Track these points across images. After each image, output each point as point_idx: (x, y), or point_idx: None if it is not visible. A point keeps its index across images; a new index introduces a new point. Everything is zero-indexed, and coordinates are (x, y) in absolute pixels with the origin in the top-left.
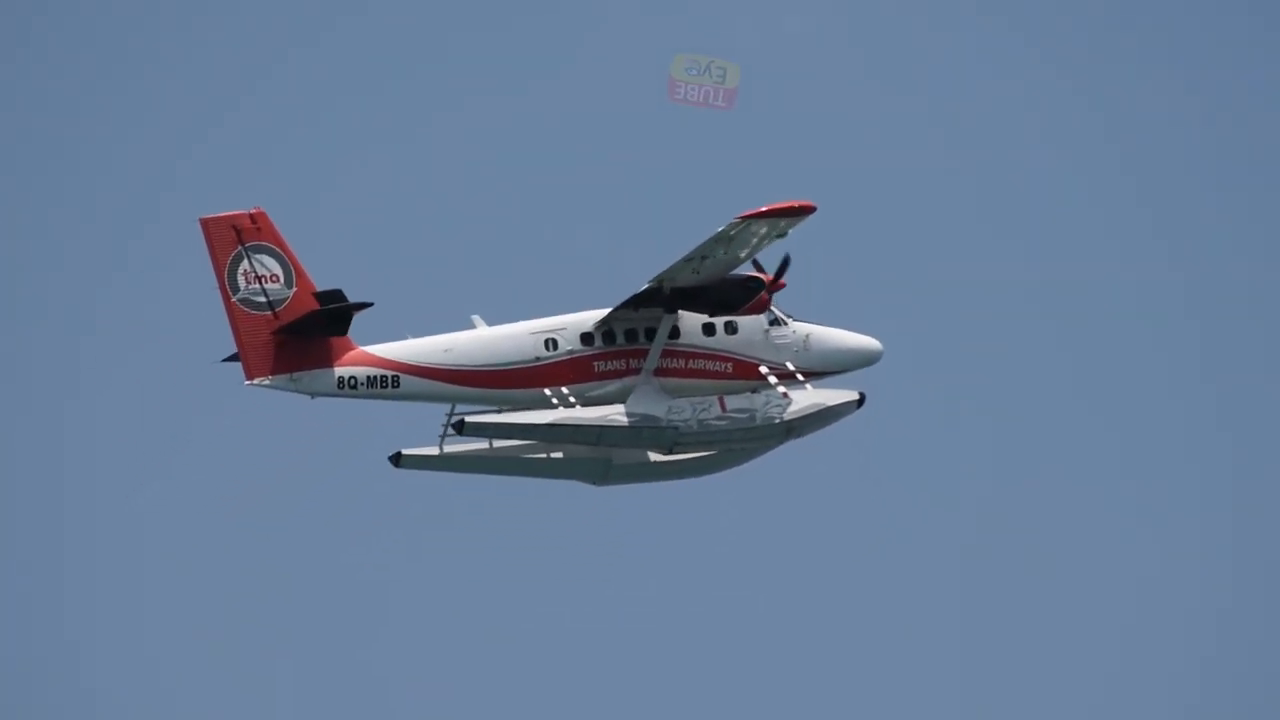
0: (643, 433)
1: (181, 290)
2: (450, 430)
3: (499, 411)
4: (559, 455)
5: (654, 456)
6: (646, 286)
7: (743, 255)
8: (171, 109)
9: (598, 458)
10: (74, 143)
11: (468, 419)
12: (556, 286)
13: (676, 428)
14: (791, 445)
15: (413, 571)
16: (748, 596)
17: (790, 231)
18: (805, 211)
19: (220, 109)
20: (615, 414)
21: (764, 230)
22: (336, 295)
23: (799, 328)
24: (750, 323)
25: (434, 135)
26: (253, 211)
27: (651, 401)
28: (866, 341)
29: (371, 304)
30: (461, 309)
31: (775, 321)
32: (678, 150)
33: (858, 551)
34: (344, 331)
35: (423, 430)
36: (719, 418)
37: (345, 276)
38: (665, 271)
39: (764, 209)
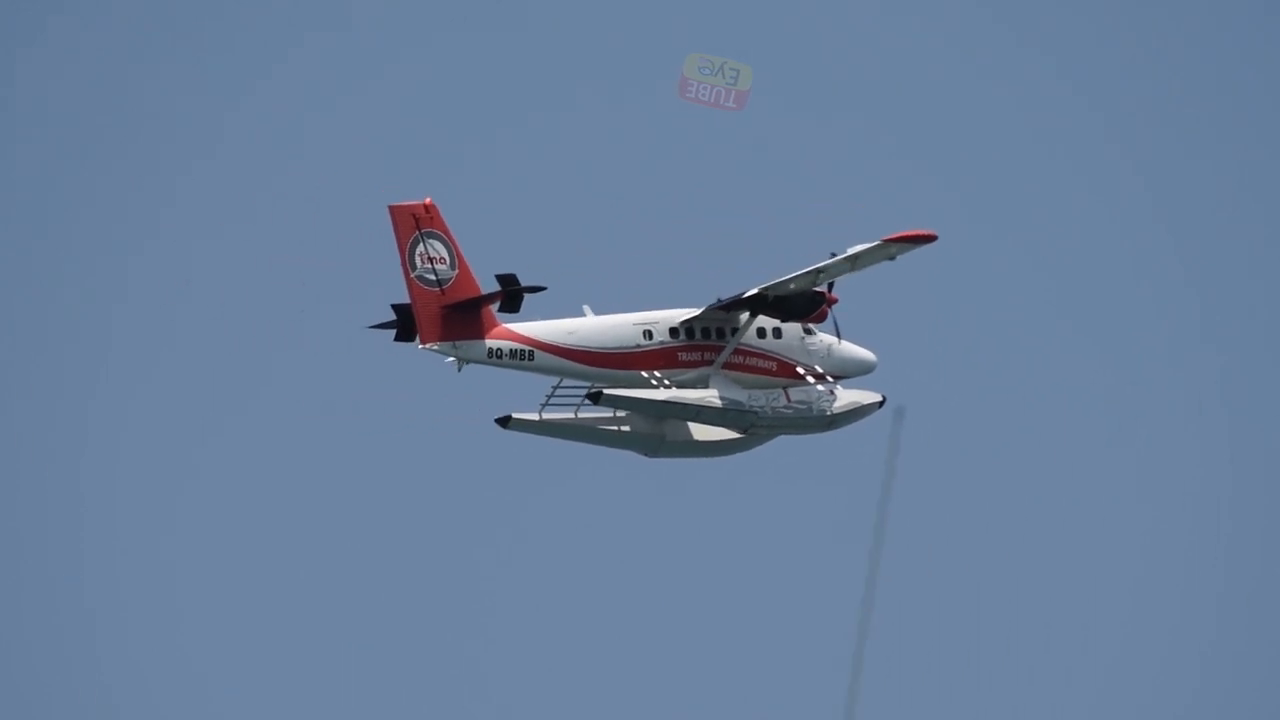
0: (728, 414)
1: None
2: (585, 400)
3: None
4: (626, 429)
5: (700, 435)
6: (756, 291)
7: (855, 271)
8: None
9: (653, 433)
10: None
11: (605, 391)
12: (648, 282)
13: (756, 412)
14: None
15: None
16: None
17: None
18: (929, 240)
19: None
20: (711, 397)
21: (893, 251)
22: (513, 279)
23: (825, 338)
24: (791, 330)
25: (560, 131)
26: (426, 202)
27: (734, 389)
28: (869, 355)
29: (545, 288)
30: (576, 297)
31: (809, 332)
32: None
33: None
34: (517, 309)
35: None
36: (786, 406)
37: (488, 261)
38: (781, 281)
39: (905, 234)
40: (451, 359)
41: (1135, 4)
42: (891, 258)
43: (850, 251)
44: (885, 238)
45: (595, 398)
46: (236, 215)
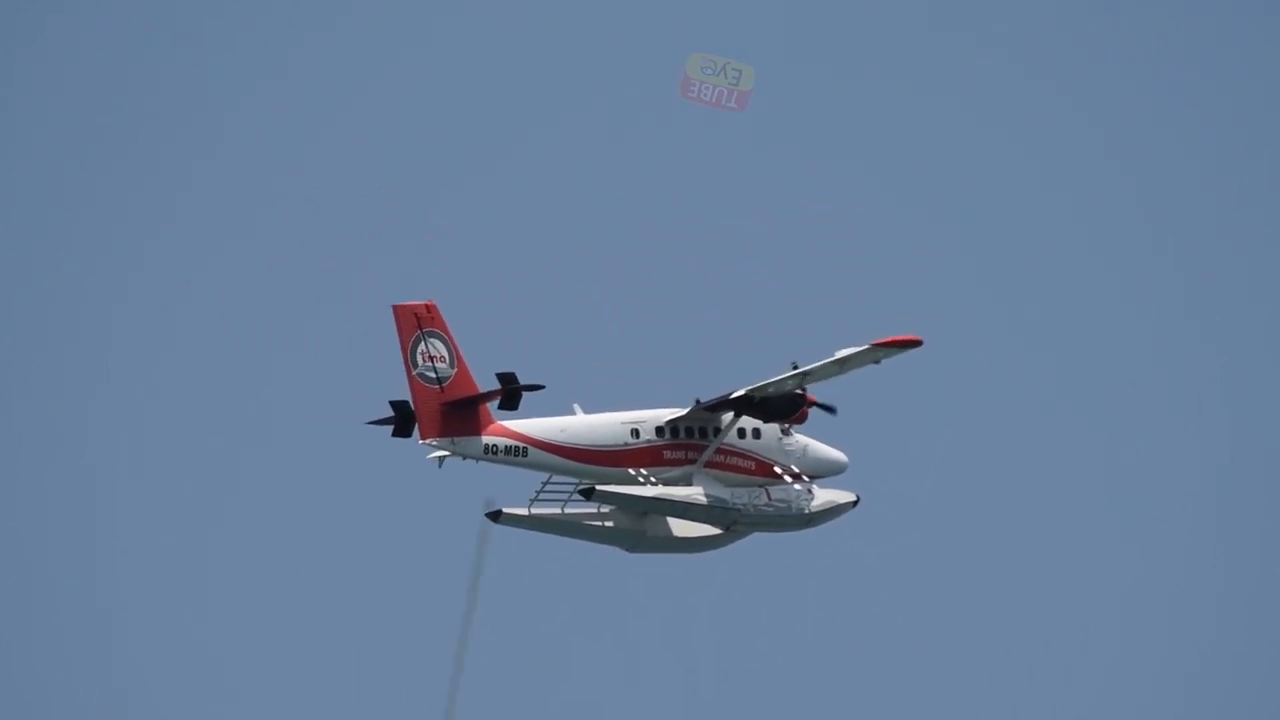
0: (713, 510)
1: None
2: (576, 495)
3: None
4: (611, 524)
5: (680, 532)
6: (744, 393)
7: (842, 374)
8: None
9: (635, 529)
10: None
11: (598, 487)
12: (636, 381)
13: (739, 509)
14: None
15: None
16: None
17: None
18: (915, 345)
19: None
20: (697, 494)
21: (879, 356)
22: (512, 377)
23: (800, 439)
24: (769, 431)
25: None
26: (427, 303)
27: (718, 487)
28: (841, 456)
29: (543, 386)
30: (567, 394)
31: (786, 433)
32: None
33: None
34: (516, 407)
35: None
36: (767, 504)
37: (485, 360)
38: (768, 383)
39: (893, 339)
40: (435, 456)
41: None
42: (877, 362)
43: (839, 355)
44: (874, 342)
45: (588, 493)
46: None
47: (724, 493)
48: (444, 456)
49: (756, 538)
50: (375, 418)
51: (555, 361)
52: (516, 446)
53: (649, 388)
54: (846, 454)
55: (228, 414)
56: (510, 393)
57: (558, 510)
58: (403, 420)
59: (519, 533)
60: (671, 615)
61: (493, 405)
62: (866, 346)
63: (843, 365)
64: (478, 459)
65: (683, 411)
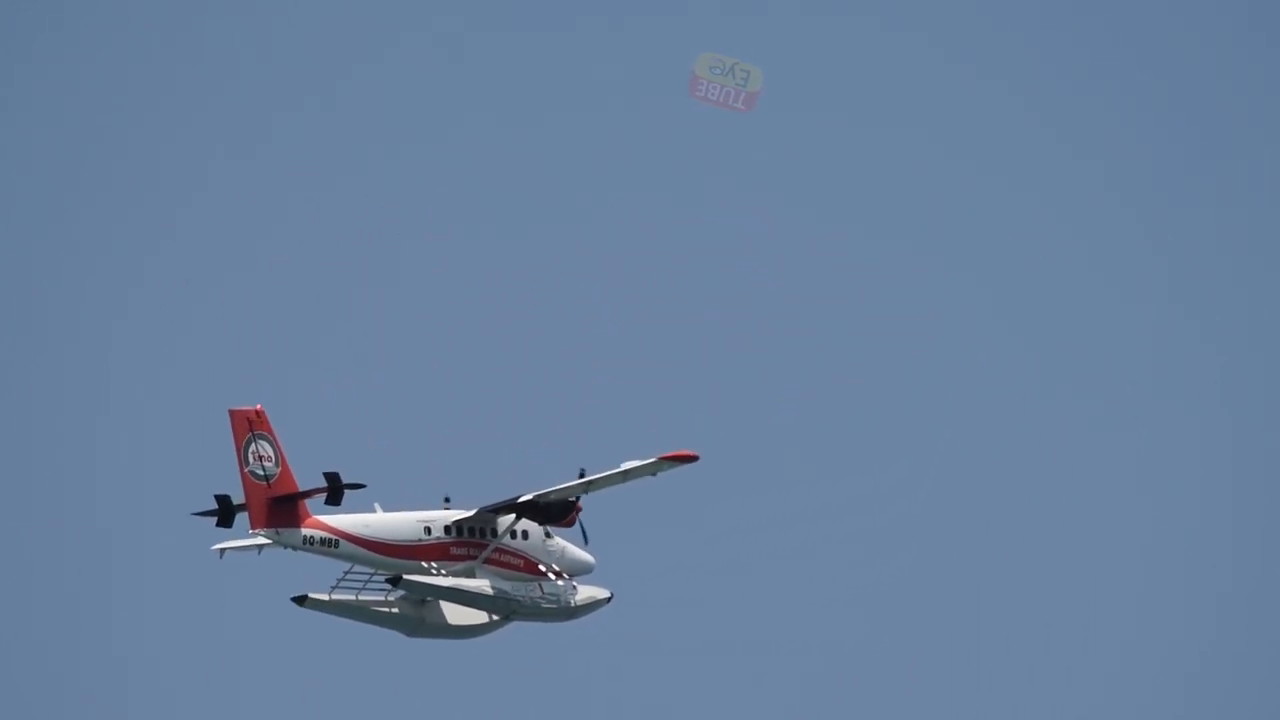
0: (498, 600)
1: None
2: (386, 584)
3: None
4: (395, 611)
5: (454, 620)
6: (529, 498)
7: (622, 484)
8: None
9: (414, 616)
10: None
11: (405, 577)
12: (432, 482)
13: (519, 601)
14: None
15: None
16: None
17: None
18: (693, 460)
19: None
20: (484, 586)
21: (658, 469)
22: (337, 476)
23: (558, 542)
24: (536, 532)
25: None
26: (257, 408)
27: (500, 581)
28: (590, 558)
29: (365, 485)
30: (368, 494)
31: (548, 535)
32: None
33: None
34: (339, 503)
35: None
36: (541, 598)
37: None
38: (555, 490)
39: (677, 454)
40: (218, 547)
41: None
42: (654, 474)
43: (624, 466)
44: (661, 455)
45: (395, 582)
46: None
47: (506, 585)
48: (225, 548)
49: (515, 626)
50: (201, 509)
51: (364, 462)
52: (330, 539)
53: (442, 488)
54: (593, 556)
55: (69, 492)
56: (334, 490)
57: (352, 597)
58: (225, 512)
59: (318, 615)
60: (448, 694)
61: (314, 501)
62: (654, 459)
63: (625, 476)
64: (297, 548)
65: (468, 513)
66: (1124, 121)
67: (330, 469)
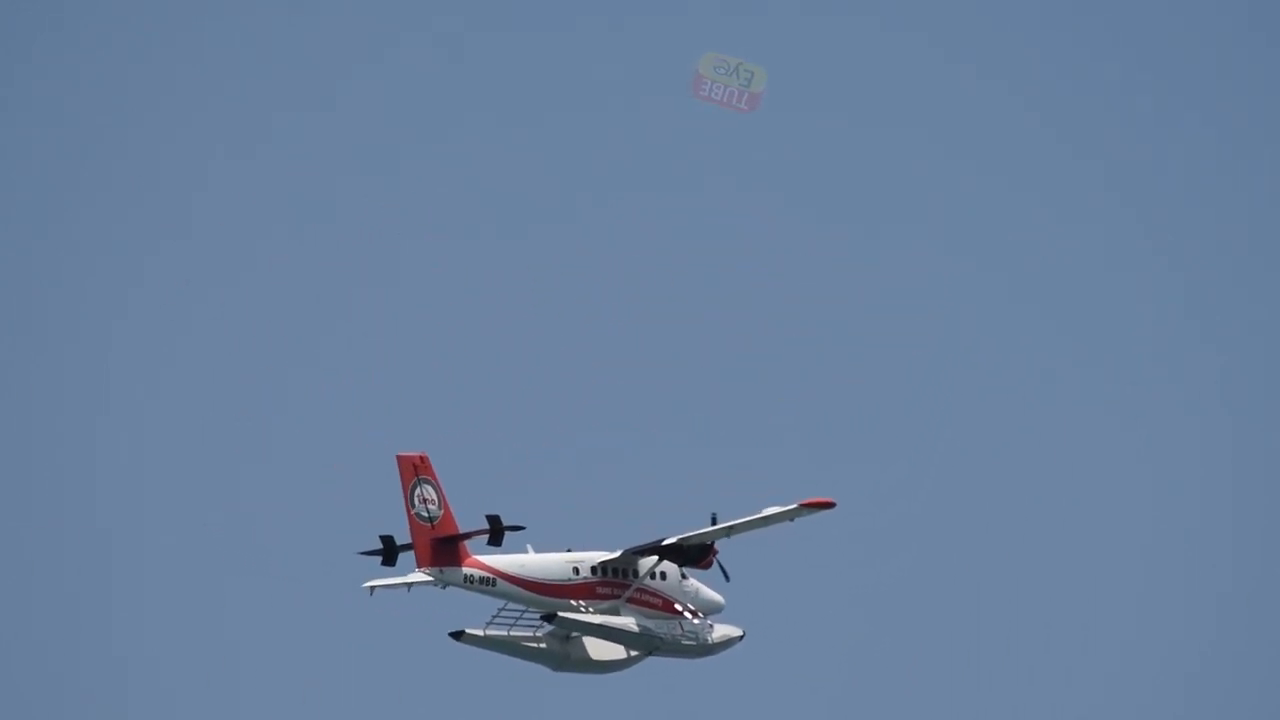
0: (642, 638)
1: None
2: (542, 620)
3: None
4: (543, 646)
5: (596, 655)
6: (672, 541)
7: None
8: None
9: (560, 651)
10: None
11: (559, 614)
12: (580, 525)
13: (661, 638)
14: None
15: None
16: None
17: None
18: (829, 507)
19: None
20: (630, 624)
21: (795, 515)
22: (497, 519)
23: (692, 582)
24: (673, 573)
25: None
26: (422, 454)
27: (644, 619)
28: (720, 598)
29: (524, 527)
30: (523, 536)
31: (684, 576)
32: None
33: None
34: (500, 544)
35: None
36: (681, 635)
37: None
38: (697, 534)
39: (814, 500)
40: (368, 585)
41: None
42: (792, 519)
43: (765, 512)
44: (801, 501)
45: (550, 618)
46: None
47: (649, 623)
48: (375, 585)
49: (650, 661)
50: (367, 549)
51: (519, 504)
52: (488, 577)
53: (588, 531)
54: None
55: (238, 533)
56: (495, 531)
57: (504, 632)
58: (389, 551)
59: (472, 650)
60: None
61: (474, 542)
62: (794, 505)
63: (765, 522)
64: (458, 586)
65: (613, 555)
66: (1124, 121)
67: (492, 512)
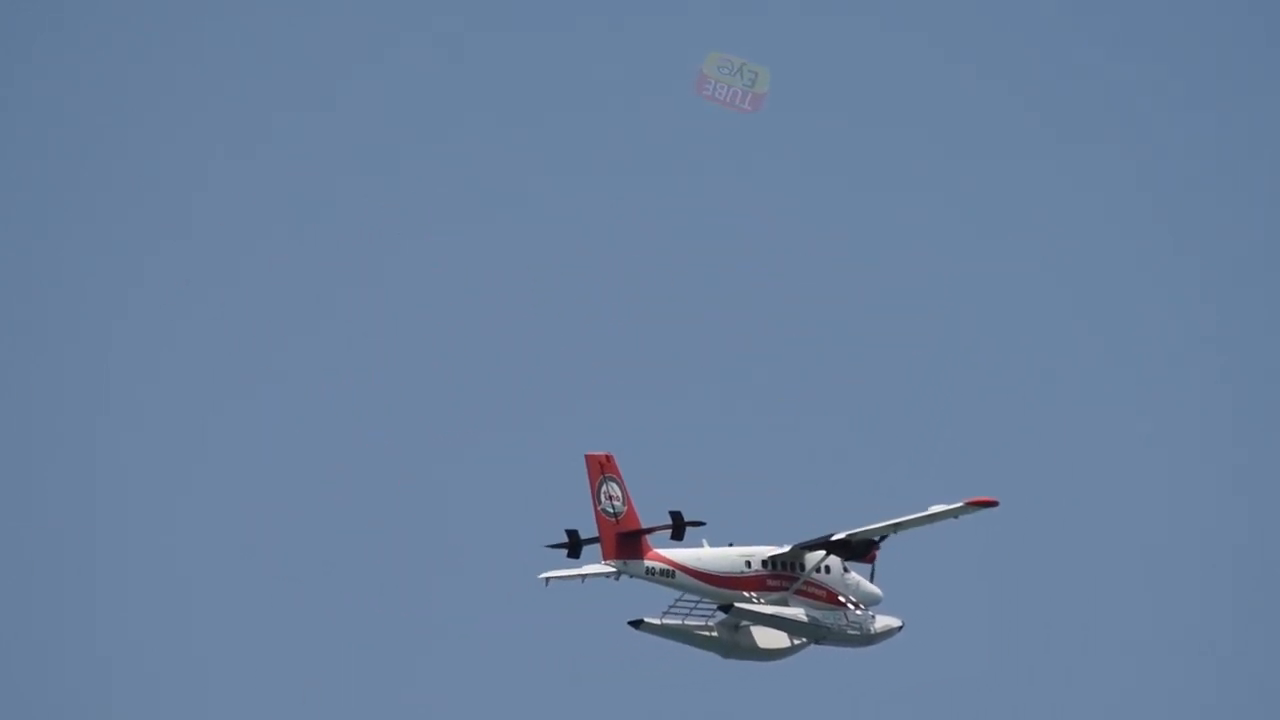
0: (809, 627)
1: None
2: (718, 610)
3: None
4: (714, 635)
5: (762, 643)
6: (841, 536)
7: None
8: None
9: (730, 640)
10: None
11: (736, 605)
12: (748, 521)
13: (829, 627)
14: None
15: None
16: None
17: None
18: (993, 505)
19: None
20: (800, 614)
21: (961, 512)
22: (679, 515)
23: (854, 575)
24: (836, 566)
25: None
26: (607, 454)
27: (812, 609)
28: (878, 590)
29: (705, 523)
30: (699, 531)
31: (845, 570)
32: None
33: None
34: (682, 538)
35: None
36: (846, 625)
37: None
38: (864, 530)
39: (980, 499)
40: (543, 576)
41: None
42: (956, 517)
43: (932, 510)
44: (967, 500)
45: (726, 609)
46: None
47: (817, 614)
48: (550, 576)
49: (811, 650)
50: (553, 542)
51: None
52: (668, 569)
53: (754, 527)
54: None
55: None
56: (678, 526)
57: (679, 621)
58: (574, 545)
59: (650, 638)
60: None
61: (655, 536)
62: (960, 504)
63: (932, 519)
64: (640, 578)
65: (781, 549)
66: (1124, 121)
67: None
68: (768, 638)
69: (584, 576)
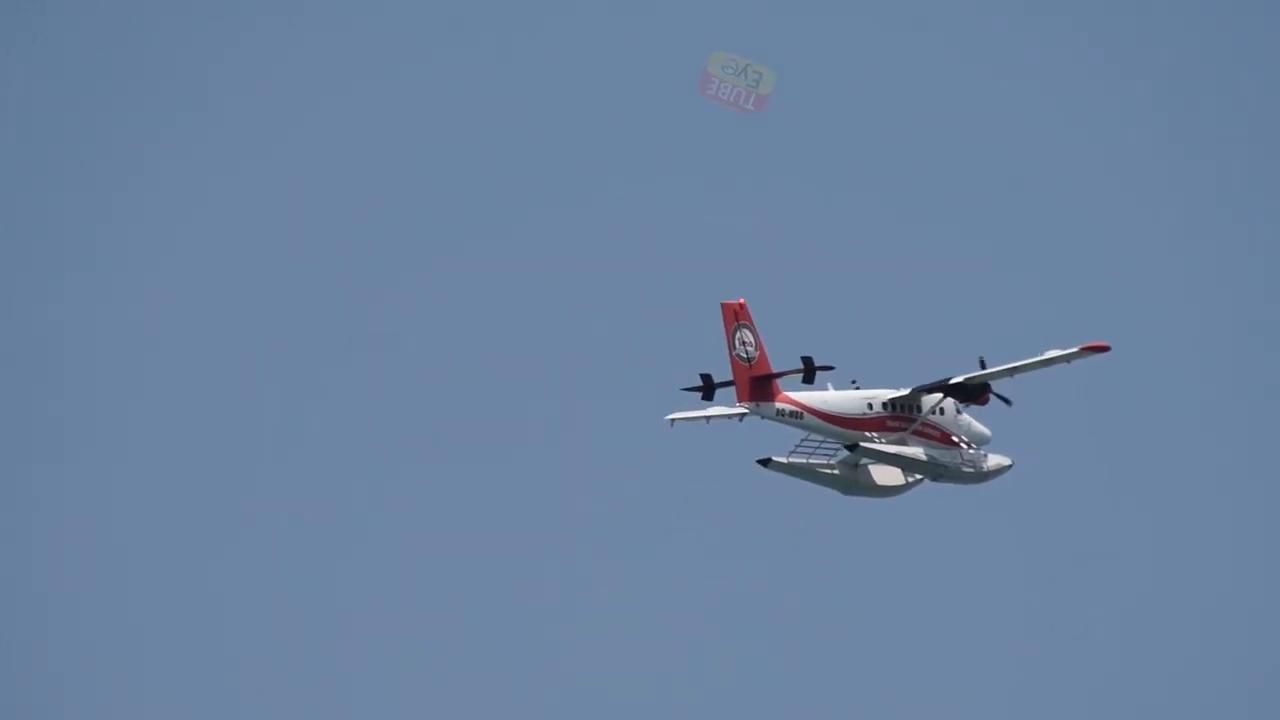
0: (927, 465)
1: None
2: (844, 449)
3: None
4: (835, 473)
5: (880, 480)
6: (959, 380)
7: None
8: None
9: (849, 477)
10: None
11: (861, 444)
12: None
13: (946, 465)
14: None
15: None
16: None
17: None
18: (1105, 350)
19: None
20: (919, 453)
21: (1073, 357)
22: (810, 360)
23: (966, 417)
24: (950, 408)
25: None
26: (741, 301)
27: (929, 449)
28: (988, 431)
29: (834, 367)
30: (825, 375)
31: (959, 411)
32: None
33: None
34: (812, 381)
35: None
36: (962, 463)
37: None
38: (982, 374)
39: (1094, 344)
40: (669, 418)
41: None
42: (1069, 361)
43: (1048, 354)
44: (1084, 345)
45: (852, 448)
46: None
47: (935, 452)
48: (676, 418)
49: (926, 486)
50: (689, 385)
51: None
52: (797, 411)
53: (879, 370)
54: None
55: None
56: (809, 370)
57: (804, 460)
58: (708, 388)
59: (777, 476)
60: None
61: (786, 380)
62: (1075, 349)
63: (1047, 364)
64: (772, 419)
65: (901, 392)
66: (1131, 120)
67: (806, 354)
68: (885, 475)
69: (709, 418)
